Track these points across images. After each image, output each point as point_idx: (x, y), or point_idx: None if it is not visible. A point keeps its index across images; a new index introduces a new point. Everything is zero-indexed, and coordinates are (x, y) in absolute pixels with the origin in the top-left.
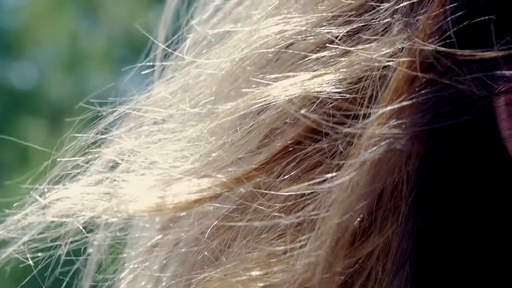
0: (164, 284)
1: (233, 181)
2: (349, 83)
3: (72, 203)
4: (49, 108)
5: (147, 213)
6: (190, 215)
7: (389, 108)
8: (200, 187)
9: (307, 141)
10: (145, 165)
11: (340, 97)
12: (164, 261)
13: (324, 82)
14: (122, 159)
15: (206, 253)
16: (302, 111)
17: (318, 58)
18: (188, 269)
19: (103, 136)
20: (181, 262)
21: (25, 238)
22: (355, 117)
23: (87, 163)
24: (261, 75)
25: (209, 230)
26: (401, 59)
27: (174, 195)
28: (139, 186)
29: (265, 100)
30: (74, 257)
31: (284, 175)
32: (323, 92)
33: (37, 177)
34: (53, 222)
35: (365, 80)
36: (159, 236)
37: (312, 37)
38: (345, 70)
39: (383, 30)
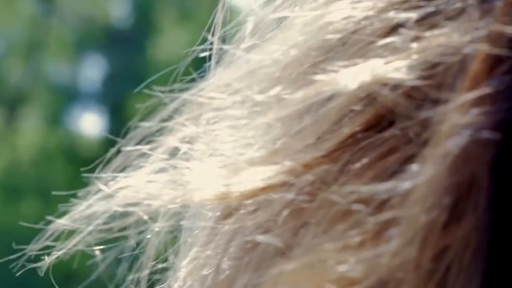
0: (228, 272)
1: (300, 168)
2: (423, 69)
3: (136, 191)
4: (5, 94)
5: (212, 201)
6: (253, 203)
7: (470, 95)
8: (267, 175)
9: (377, 128)
10: (210, 153)
11: (413, 83)
12: (227, 250)
13: (395, 68)
14: (185, 147)
15: (276, 242)
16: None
17: (387, 44)
18: (255, 260)
19: (167, 124)
20: (246, 251)
21: (90, 228)
22: (430, 103)
23: (150, 151)
24: (328, 61)
25: (279, 216)
26: (480, 44)
27: (240, 182)
28: (203, 174)
29: (335, 87)
30: (134, 246)
31: (353, 163)
32: (395, 78)
33: (101, 166)
34: (117, 211)
35: (440, 66)
36: (221, 225)
37: (380, 22)
38: (417, 56)
39: (456, 15)
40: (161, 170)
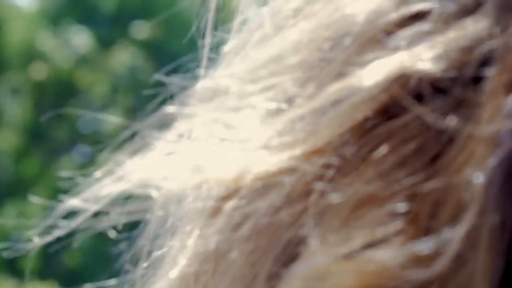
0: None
1: (313, 152)
2: (449, 61)
3: (151, 173)
4: None
5: (226, 183)
6: (264, 185)
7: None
8: (281, 158)
9: (393, 114)
10: (224, 136)
11: (439, 74)
12: (236, 231)
13: (421, 59)
14: (200, 130)
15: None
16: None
17: (409, 35)
18: (276, 247)
19: (183, 109)
20: (264, 236)
21: (97, 207)
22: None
23: (167, 135)
24: (350, 51)
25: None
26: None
27: (255, 165)
28: (217, 156)
29: (361, 82)
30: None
31: (371, 149)
32: (421, 70)
33: (116, 148)
34: (129, 192)
35: (466, 57)
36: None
37: (400, 13)
38: (441, 47)
39: (475, 6)
40: (176, 153)
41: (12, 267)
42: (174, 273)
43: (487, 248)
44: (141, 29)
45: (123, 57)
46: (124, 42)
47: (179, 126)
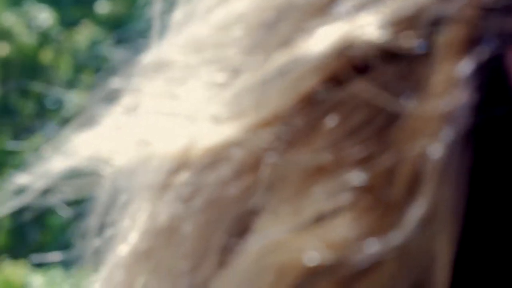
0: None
1: (262, 123)
2: (395, 28)
3: (97, 147)
4: None
5: (174, 156)
6: (212, 159)
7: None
8: (228, 131)
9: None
10: (170, 109)
11: (385, 41)
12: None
13: (366, 27)
14: (148, 104)
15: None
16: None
17: (354, 2)
18: (228, 219)
19: (130, 81)
20: (214, 208)
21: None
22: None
23: (113, 108)
24: (296, 18)
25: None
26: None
27: (202, 138)
28: (164, 129)
29: (307, 50)
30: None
31: (319, 119)
32: (367, 38)
33: (63, 123)
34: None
35: (412, 24)
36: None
37: None
38: (387, 13)
39: None
40: (123, 127)
41: None
42: (124, 249)
43: (446, 220)
44: (105, 6)
45: (86, 35)
46: (88, 20)
47: (126, 100)
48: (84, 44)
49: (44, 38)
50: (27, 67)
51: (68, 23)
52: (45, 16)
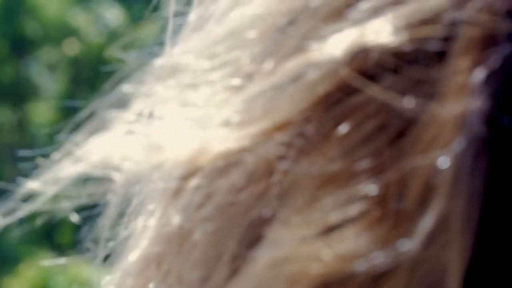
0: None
1: (274, 129)
2: (409, 33)
3: (108, 153)
4: None
5: (185, 162)
6: (225, 164)
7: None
8: (241, 135)
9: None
10: (184, 115)
11: (401, 49)
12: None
13: (381, 32)
14: (159, 109)
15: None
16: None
17: (369, 7)
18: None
19: (140, 87)
20: (226, 215)
21: (57, 189)
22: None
23: (123, 114)
24: (310, 24)
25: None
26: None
27: (214, 143)
28: (176, 135)
29: (321, 57)
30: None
31: (333, 125)
32: (381, 43)
33: (73, 129)
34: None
35: (428, 30)
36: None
37: None
38: (401, 18)
39: None
40: (134, 133)
41: None
42: (135, 255)
43: (458, 232)
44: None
45: (154, 32)
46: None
47: (138, 105)
48: (152, 42)
49: (113, 36)
50: (96, 65)
51: (136, 20)
52: (113, 14)
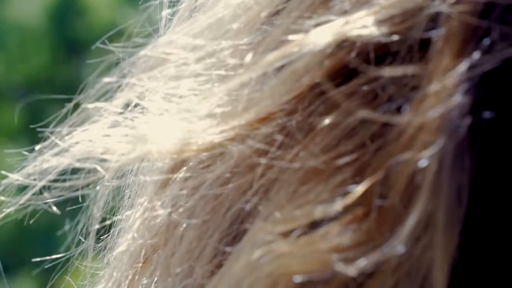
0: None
1: (257, 122)
2: (391, 25)
3: (92, 146)
4: None
5: (170, 154)
6: (210, 156)
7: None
8: (225, 128)
9: (339, 80)
10: (168, 107)
11: (382, 39)
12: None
13: (363, 24)
14: (143, 101)
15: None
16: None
17: None
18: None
19: (124, 79)
20: (211, 208)
21: (42, 183)
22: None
23: (108, 106)
24: (291, 14)
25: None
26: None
27: (198, 135)
28: (161, 128)
29: (303, 48)
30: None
31: (316, 117)
32: (364, 35)
33: (58, 121)
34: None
35: (411, 21)
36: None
37: None
38: (384, 10)
39: None
40: (119, 125)
41: None
42: (122, 248)
43: (443, 229)
44: None
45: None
46: None
47: (121, 97)
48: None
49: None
50: None
51: None
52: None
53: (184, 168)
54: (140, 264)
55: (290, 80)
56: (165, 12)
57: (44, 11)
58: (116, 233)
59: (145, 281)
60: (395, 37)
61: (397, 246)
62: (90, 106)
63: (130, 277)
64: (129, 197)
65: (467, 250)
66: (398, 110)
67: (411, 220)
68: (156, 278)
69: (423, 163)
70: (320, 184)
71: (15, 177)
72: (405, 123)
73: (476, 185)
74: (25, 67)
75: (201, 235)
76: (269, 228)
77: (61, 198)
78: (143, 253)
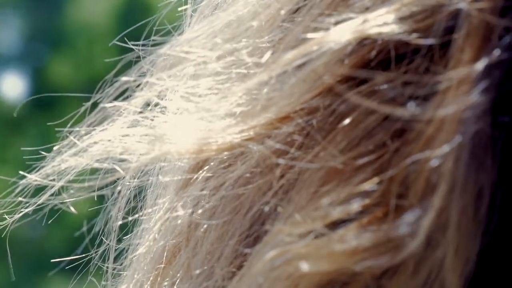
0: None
1: (278, 120)
2: (413, 22)
3: (111, 145)
4: None
5: (189, 154)
6: (230, 156)
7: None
8: (244, 127)
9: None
10: (187, 107)
11: (404, 37)
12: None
13: (385, 21)
14: (163, 101)
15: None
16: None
17: None
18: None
19: (143, 78)
20: (233, 209)
21: (61, 183)
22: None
23: (127, 105)
24: (312, 12)
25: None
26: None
27: (217, 135)
28: (180, 127)
29: (324, 46)
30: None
31: (336, 116)
32: (385, 32)
33: (76, 120)
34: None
35: (432, 18)
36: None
37: None
38: (405, 7)
39: None
40: (138, 124)
41: None
42: (143, 248)
43: (458, 229)
44: None
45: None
46: None
47: (141, 96)
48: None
49: None
50: None
51: None
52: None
53: (206, 168)
54: (162, 266)
55: (310, 79)
56: (186, 9)
57: (112, 11)
58: (137, 234)
59: (166, 283)
60: (416, 35)
61: (416, 245)
62: (109, 105)
63: (152, 278)
64: (150, 198)
65: (488, 253)
66: (418, 108)
67: (428, 220)
68: (177, 280)
69: (441, 162)
70: (341, 185)
71: (33, 178)
72: (424, 122)
73: (499, 185)
74: (93, 67)
75: (221, 237)
76: (288, 230)
77: (80, 198)
78: (165, 255)
